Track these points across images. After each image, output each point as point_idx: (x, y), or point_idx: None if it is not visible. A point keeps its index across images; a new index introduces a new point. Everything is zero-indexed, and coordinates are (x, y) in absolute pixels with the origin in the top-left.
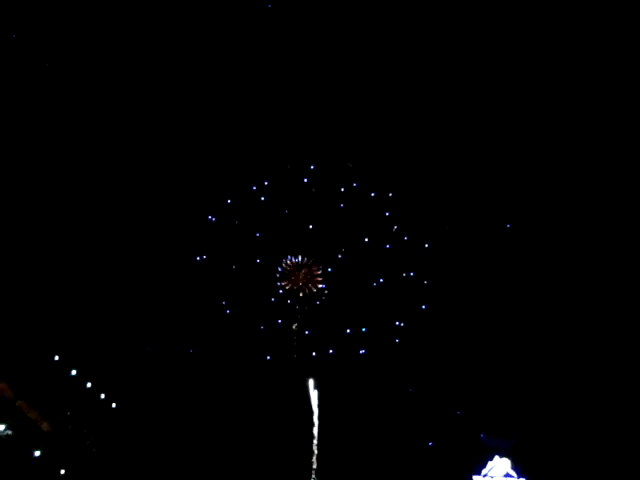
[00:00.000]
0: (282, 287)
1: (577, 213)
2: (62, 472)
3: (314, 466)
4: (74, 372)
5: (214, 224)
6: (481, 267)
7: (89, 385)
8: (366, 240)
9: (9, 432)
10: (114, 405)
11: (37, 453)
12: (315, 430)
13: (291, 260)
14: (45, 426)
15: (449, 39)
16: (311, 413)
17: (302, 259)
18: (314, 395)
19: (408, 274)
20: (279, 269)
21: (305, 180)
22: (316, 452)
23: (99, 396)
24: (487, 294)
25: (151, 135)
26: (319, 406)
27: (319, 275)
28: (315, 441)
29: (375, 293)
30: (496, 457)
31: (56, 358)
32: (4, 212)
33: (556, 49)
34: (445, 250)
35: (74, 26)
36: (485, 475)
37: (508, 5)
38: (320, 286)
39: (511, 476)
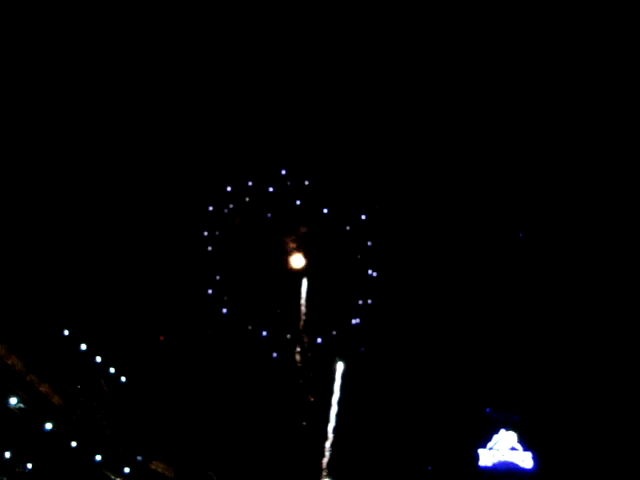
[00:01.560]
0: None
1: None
2: (73, 445)
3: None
4: (84, 346)
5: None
6: (491, 250)
7: (99, 359)
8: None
9: (21, 405)
10: (123, 379)
11: (48, 426)
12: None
13: None
14: (56, 399)
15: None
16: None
17: None
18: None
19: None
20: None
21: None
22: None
23: (109, 370)
24: (494, 274)
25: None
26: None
27: None
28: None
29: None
30: (502, 431)
31: (66, 333)
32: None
33: (556, 49)
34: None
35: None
36: (491, 449)
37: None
38: None
39: (517, 450)
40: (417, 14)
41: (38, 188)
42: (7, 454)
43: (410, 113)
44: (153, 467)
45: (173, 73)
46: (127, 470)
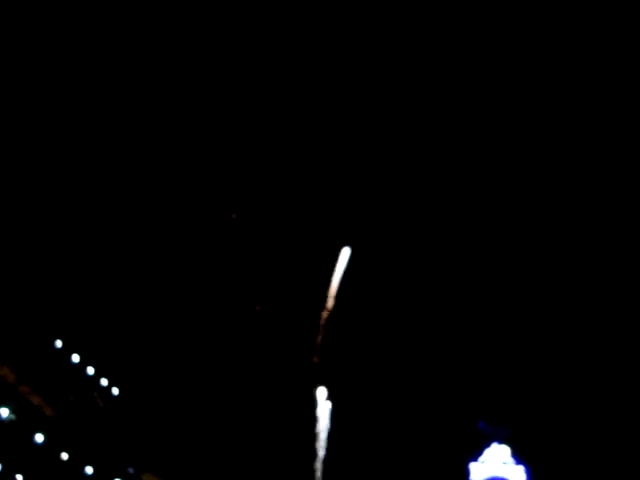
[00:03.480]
0: None
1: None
2: (64, 457)
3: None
4: (77, 358)
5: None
6: (480, 257)
7: (91, 371)
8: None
9: (12, 417)
10: (116, 391)
11: (40, 438)
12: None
13: None
14: (48, 411)
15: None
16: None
17: None
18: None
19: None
20: None
21: None
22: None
23: (100, 382)
24: (484, 285)
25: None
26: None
27: None
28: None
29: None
30: (494, 444)
31: (58, 344)
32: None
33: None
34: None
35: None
36: (483, 462)
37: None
38: None
39: (508, 464)
40: (417, 14)
41: (31, 198)
42: None
43: (409, 114)
44: (144, 479)
45: (173, 74)
46: None
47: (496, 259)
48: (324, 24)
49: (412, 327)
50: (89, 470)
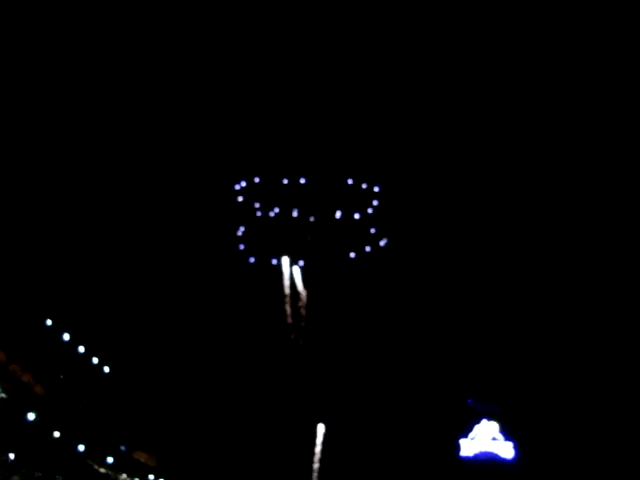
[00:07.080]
0: None
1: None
2: (56, 435)
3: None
4: (67, 336)
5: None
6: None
7: (82, 349)
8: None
9: (3, 395)
10: (107, 369)
11: (31, 416)
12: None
13: None
14: (39, 389)
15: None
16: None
17: None
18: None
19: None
20: None
21: None
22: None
23: (91, 360)
24: (472, 264)
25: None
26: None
27: None
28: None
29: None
30: (483, 421)
31: (49, 322)
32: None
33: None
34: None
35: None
36: (472, 439)
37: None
38: None
39: (498, 440)
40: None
41: (19, 180)
42: None
43: (410, 114)
44: (136, 457)
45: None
46: (110, 460)
47: (483, 241)
48: (324, 22)
49: (400, 306)
50: (81, 448)
